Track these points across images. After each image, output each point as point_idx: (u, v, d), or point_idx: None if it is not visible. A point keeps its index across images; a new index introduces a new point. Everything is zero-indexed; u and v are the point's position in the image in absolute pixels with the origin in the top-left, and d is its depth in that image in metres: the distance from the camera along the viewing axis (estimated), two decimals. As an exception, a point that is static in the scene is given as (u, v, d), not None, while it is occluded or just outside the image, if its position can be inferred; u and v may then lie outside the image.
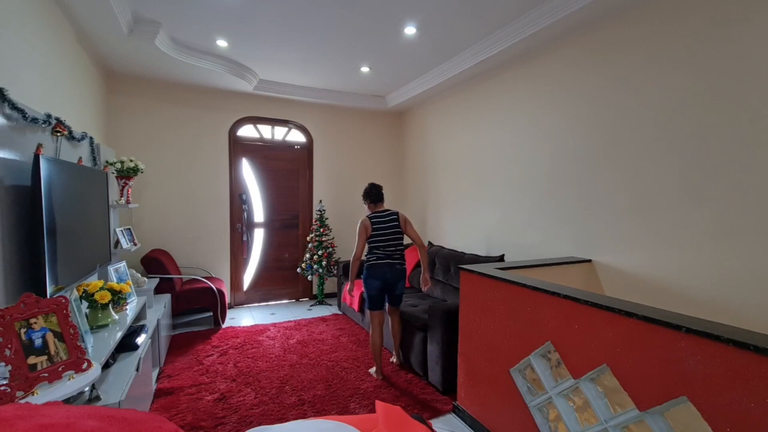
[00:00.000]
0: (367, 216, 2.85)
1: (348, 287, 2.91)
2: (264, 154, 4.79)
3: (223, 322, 3.91)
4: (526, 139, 3.27)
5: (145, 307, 2.78)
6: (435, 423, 2.30)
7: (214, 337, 3.59)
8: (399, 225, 2.84)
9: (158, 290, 3.47)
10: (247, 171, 4.73)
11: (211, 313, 3.90)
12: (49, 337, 1.48)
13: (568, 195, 2.89)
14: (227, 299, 4.23)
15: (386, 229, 2.81)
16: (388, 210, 2.89)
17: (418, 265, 4.22)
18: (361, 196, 2.98)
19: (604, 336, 1.50)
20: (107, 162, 3.11)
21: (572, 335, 1.64)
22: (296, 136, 4.99)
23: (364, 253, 2.87)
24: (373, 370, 2.87)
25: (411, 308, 3.14)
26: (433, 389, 2.65)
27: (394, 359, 3.07)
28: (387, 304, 2.92)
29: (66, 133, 2.25)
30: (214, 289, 3.83)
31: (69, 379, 1.47)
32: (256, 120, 4.70)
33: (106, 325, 2.16)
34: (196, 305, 3.82)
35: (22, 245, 1.73)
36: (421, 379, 2.79)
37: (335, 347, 3.36)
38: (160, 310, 2.98)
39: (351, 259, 2.84)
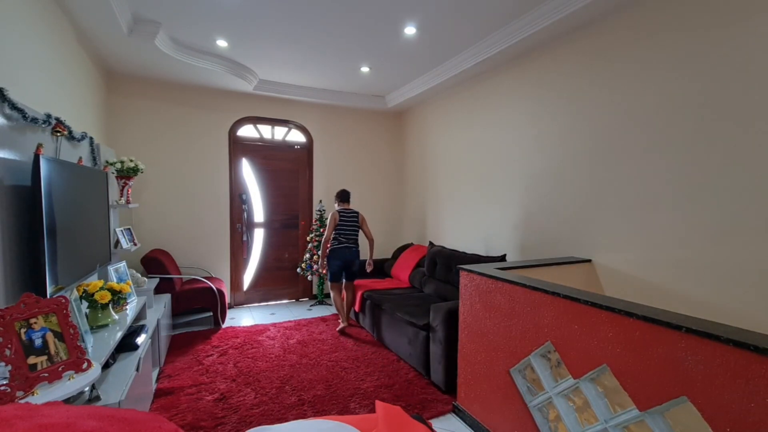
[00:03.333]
0: (337, 210, 3.75)
1: (319, 261, 3.98)
2: (264, 154, 4.78)
3: (223, 322, 3.91)
4: (526, 139, 3.27)
5: (145, 307, 2.78)
6: (435, 423, 2.30)
7: (214, 337, 3.59)
8: (358, 221, 3.80)
9: (158, 290, 3.47)
10: (247, 171, 4.73)
11: (211, 313, 3.90)
12: (49, 337, 1.49)
13: (568, 195, 2.89)
14: (227, 299, 4.22)
15: (348, 222, 3.75)
16: (352, 209, 3.84)
17: (418, 265, 4.22)
18: (335, 195, 3.93)
19: (604, 336, 1.50)
20: (107, 162, 3.11)
21: (572, 335, 1.64)
22: (296, 136, 4.99)
23: (336, 241, 3.74)
24: (341, 326, 3.79)
25: (413, 308, 3.14)
26: (434, 389, 2.65)
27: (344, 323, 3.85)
28: (344, 280, 3.82)
29: (66, 133, 2.25)
30: (214, 289, 3.83)
31: (69, 379, 1.47)
32: (256, 120, 4.70)
33: (106, 325, 2.16)
34: (196, 305, 3.81)
35: (22, 245, 1.73)
36: (423, 379, 2.80)
37: (335, 347, 3.36)
38: (160, 310, 2.98)
39: (322, 240, 3.82)
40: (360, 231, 3.82)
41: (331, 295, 3.88)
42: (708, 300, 2.08)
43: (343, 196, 3.85)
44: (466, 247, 3.97)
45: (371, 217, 5.36)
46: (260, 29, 3.08)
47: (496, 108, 3.62)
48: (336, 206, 3.84)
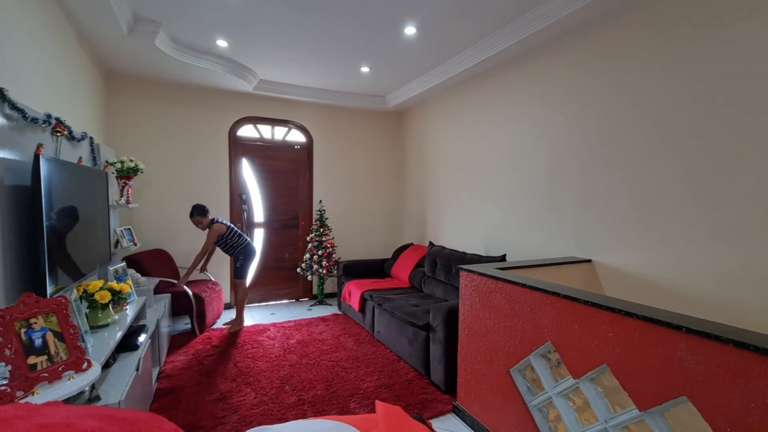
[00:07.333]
0: (221, 222, 3.74)
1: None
2: (264, 154, 4.78)
3: (201, 332, 3.63)
4: (526, 139, 3.27)
5: (145, 306, 2.78)
6: (435, 423, 2.30)
7: (215, 337, 3.59)
8: None
9: (158, 291, 3.46)
10: (247, 171, 4.73)
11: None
12: (49, 337, 1.48)
13: (568, 195, 2.89)
14: (223, 299, 4.20)
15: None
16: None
17: (418, 265, 4.22)
18: (199, 213, 3.65)
19: (604, 336, 1.50)
20: (107, 162, 3.11)
21: (572, 335, 1.64)
22: (296, 136, 4.98)
23: (240, 239, 3.84)
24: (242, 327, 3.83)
25: (413, 308, 3.14)
26: (435, 389, 2.65)
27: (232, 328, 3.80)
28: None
29: (66, 133, 2.25)
30: (190, 293, 3.55)
31: (69, 379, 1.47)
32: (256, 120, 4.70)
33: (106, 325, 2.16)
34: (176, 309, 3.58)
35: (22, 245, 1.73)
36: (423, 379, 2.80)
37: (335, 347, 3.36)
38: (160, 310, 2.98)
39: (199, 256, 3.68)
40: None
41: (246, 295, 3.96)
42: (708, 300, 2.08)
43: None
44: (466, 247, 3.97)
45: (371, 217, 5.37)
46: (260, 29, 3.08)
47: (496, 107, 3.62)
48: (213, 217, 3.75)
